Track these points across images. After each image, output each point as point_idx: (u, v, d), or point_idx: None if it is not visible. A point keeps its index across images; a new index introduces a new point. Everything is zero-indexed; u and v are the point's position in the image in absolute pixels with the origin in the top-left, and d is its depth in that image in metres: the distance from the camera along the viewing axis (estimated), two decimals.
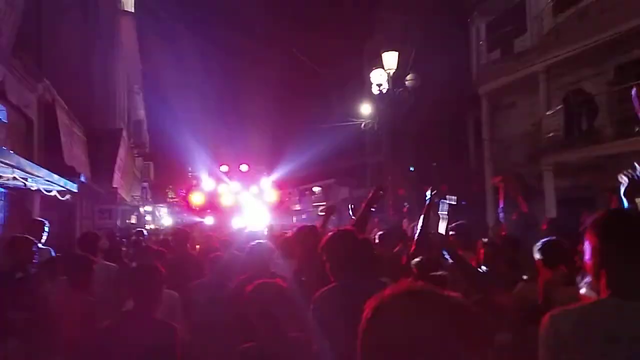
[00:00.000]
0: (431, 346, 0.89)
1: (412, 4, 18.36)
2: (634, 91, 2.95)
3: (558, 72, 13.37)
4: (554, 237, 3.37)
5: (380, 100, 10.46)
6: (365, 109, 16.90)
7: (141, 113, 21.75)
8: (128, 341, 2.60)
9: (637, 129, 10.51)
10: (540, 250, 3.21)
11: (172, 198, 31.58)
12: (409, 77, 10.41)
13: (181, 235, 5.69)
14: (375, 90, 10.29)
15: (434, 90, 11.91)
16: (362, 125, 18.78)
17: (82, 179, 9.30)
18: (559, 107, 12.83)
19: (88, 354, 2.77)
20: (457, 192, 4.98)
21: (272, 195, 14.77)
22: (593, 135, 11.74)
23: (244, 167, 15.11)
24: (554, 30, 13.05)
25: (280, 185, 16.73)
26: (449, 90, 16.23)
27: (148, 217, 28.56)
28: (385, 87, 10.09)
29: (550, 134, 12.96)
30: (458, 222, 5.05)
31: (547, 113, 13.24)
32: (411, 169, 12.52)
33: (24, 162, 5.08)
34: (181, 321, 3.52)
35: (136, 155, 19.82)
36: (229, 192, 14.45)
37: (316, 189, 32.97)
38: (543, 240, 3.31)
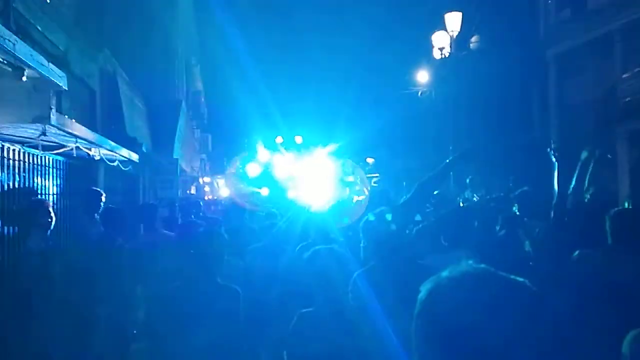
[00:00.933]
0: (490, 332, 0.84)
1: None
2: None
3: (637, 32, 12.19)
4: None
5: (442, 64, 9.96)
6: (423, 76, 16.31)
7: (199, 85, 22.15)
8: (195, 305, 2.69)
9: None
10: None
11: (229, 169, 32.33)
12: (473, 39, 9.82)
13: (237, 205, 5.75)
14: (437, 54, 9.80)
15: (497, 54, 11.18)
16: (419, 93, 18.18)
17: (144, 149, 9.58)
18: (638, 69, 11.75)
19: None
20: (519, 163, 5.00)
21: (327, 166, 14.70)
22: None
23: (298, 139, 15.12)
24: None
25: (335, 156, 16.63)
26: (514, 54, 15.27)
27: (207, 188, 29.46)
28: (447, 51, 9.58)
29: (627, 99, 11.95)
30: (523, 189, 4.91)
31: (624, 76, 12.19)
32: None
33: (87, 132, 5.23)
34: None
35: (195, 127, 20.29)
36: (284, 163, 14.52)
37: (370, 160, 32.57)
38: None
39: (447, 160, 4.72)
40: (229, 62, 21.65)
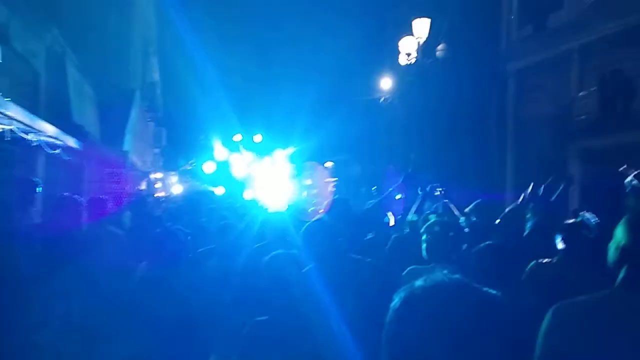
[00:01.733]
0: (459, 341, 0.87)
1: None
2: None
3: (593, 51, 12.61)
4: None
5: (406, 71, 9.86)
6: (386, 82, 16.29)
7: (155, 76, 21.25)
8: (139, 308, 2.61)
9: None
10: None
11: (184, 166, 31.36)
12: (440, 47, 9.78)
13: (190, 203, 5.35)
14: (403, 60, 9.69)
15: (461, 65, 11.25)
16: (381, 99, 18.18)
17: (91, 138, 8.93)
18: (593, 89, 12.12)
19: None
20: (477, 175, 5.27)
21: (286, 168, 14.37)
22: (629, 119, 11.07)
23: (258, 138, 14.66)
24: (594, 4, 12.24)
25: (293, 158, 16.30)
26: (476, 66, 15.50)
27: (159, 184, 28.38)
28: (414, 57, 9.49)
29: (582, 117, 12.30)
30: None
31: (580, 94, 12.55)
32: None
33: (24, 115, 4.68)
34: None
35: (149, 120, 19.41)
36: (242, 162, 14.06)
37: (328, 164, 32.51)
38: None
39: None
40: (188, 56, 20.90)
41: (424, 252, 3.08)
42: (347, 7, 20.40)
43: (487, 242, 3.02)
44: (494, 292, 0.93)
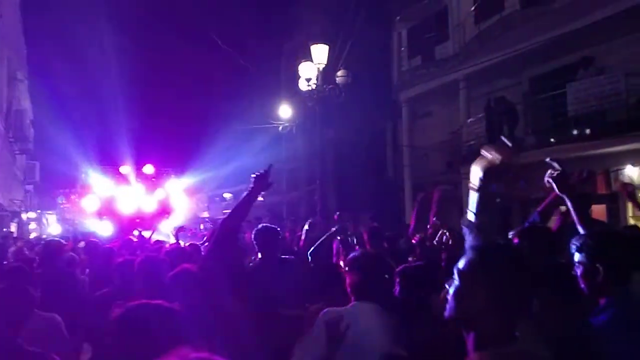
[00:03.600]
0: None
1: (333, 6, 17.84)
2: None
3: (478, 80, 13.44)
4: None
5: (307, 98, 9.56)
6: (286, 111, 15.99)
7: (25, 103, 18.93)
8: None
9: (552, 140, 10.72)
10: None
11: (62, 203, 28.29)
12: (339, 72, 9.63)
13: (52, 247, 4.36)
14: (304, 85, 9.36)
15: (353, 96, 11.29)
16: (280, 128, 17.82)
17: None
18: (481, 115, 12.83)
19: None
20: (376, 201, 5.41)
21: (180, 201, 13.23)
22: (513, 144, 11.76)
23: (148, 169, 13.33)
24: (476, 38, 13.09)
25: (189, 189, 15.17)
26: (370, 97, 15.85)
27: (32, 225, 25.26)
28: (314, 83, 9.21)
29: (471, 142, 12.91)
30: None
31: (468, 121, 13.22)
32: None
33: None
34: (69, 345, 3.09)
35: (17, 152, 17.11)
36: (130, 196, 12.65)
37: (227, 195, 31.30)
38: None
39: None
40: (66, 80, 18.96)
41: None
42: (240, 35, 20.03)
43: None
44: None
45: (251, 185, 3.08)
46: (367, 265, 2.64)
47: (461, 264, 1.39)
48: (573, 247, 2.16)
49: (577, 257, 2.12)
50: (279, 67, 21.46)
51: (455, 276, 1.39)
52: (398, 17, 16.40)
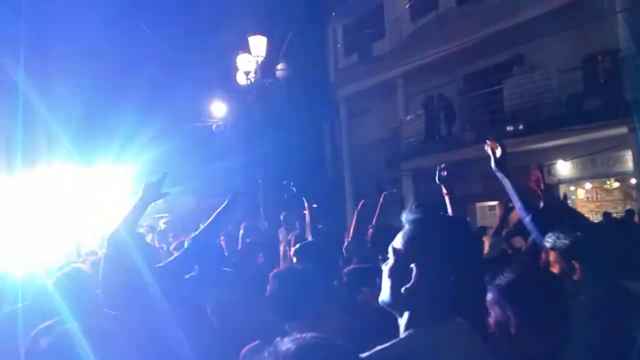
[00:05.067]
0: None
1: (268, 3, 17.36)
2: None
3: (415, 78, 13.46)
4: None
5: (246, 94, 9.02)
6: (220, 107, 15.26)
7: None
8: None
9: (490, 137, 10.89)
10: None
11: None
12: (279, 66, 9.17)
13: None
14: (242, 79, 8.80)
15: (295, 88, 10.89)
16: (214, 126, 17.03)
17: None
18: (420, 112, 12.87)
19: None
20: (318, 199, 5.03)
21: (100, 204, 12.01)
22: (452, 140, 11.91)
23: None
24: (412, 35, 13.12)
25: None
26: (309, 91, 15.50)
27: None
28: (252, 76, 8.67)
29: (411, 139, 12.93)
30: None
31: (407, 118, 13.23)
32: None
33: None
34: None
35: None
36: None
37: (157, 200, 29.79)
38: None
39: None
40: None
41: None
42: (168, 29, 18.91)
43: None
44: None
45: (140, 195, 2.76)
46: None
47: (396, 241, 1.28)
48: (547, 243, 1.89)
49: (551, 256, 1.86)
50: (211, 60, 20.50)
51: (390, 254, 1.27)
52: (333, 13, 16.17)
